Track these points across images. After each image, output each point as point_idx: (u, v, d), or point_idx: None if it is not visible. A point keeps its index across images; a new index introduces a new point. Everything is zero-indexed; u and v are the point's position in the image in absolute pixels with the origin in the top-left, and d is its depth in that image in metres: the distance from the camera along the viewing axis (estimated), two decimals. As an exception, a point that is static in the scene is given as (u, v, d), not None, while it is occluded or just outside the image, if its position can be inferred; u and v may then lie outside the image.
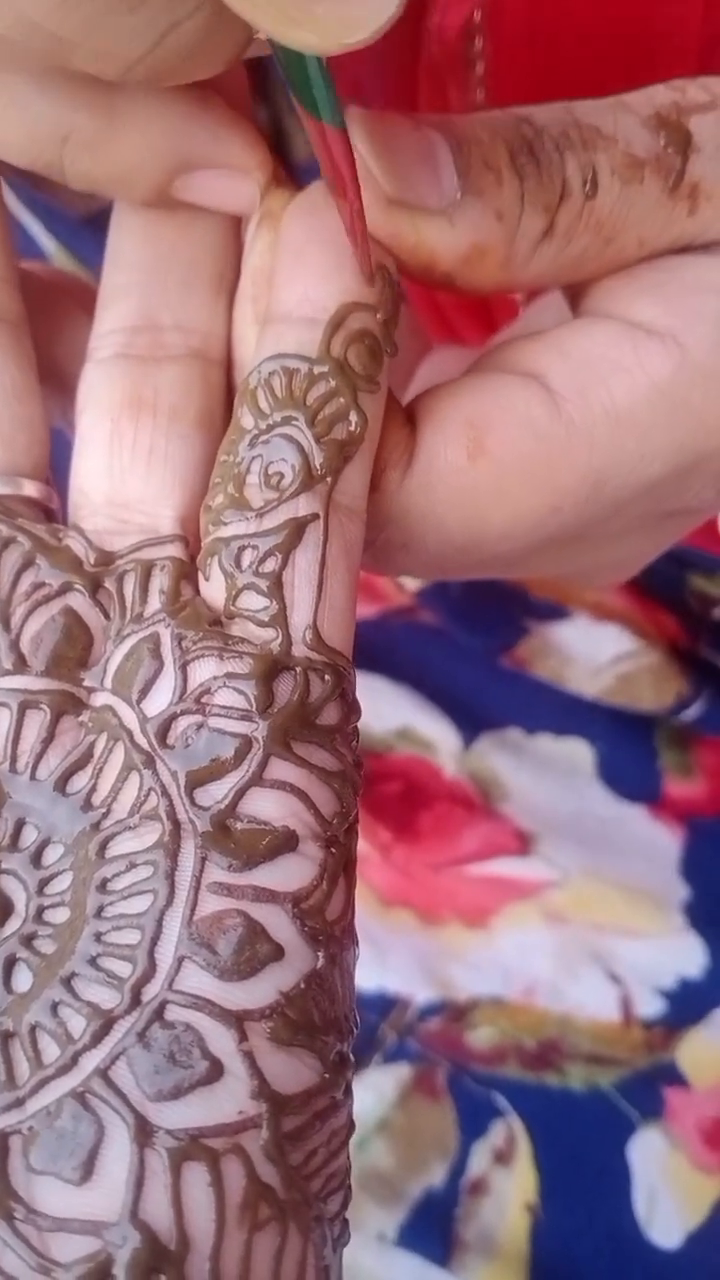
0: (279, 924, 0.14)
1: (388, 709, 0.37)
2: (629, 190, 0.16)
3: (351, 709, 0.16)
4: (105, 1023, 0.13)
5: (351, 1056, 0.15)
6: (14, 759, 0.15)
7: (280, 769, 0.15)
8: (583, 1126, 0.32)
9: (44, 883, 0.15)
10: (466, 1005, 0.34)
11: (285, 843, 0.14)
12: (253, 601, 0.15)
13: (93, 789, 0.15)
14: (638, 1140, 0.32)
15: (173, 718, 0.15)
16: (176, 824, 0.14)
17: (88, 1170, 0.13)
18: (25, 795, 0.15)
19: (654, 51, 0.22)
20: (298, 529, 0.15)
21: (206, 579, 0.16)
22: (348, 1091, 0.15)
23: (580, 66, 0.23)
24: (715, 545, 0.34)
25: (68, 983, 0.14)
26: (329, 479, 0.15)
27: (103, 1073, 0.13)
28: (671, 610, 0.38)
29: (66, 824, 0.15)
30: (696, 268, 0.17)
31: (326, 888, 0.15)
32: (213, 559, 0.16)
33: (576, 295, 0.18)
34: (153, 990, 0.14)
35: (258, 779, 0.14)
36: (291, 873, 0.14)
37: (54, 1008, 0.14)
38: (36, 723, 0.16)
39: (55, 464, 0.18)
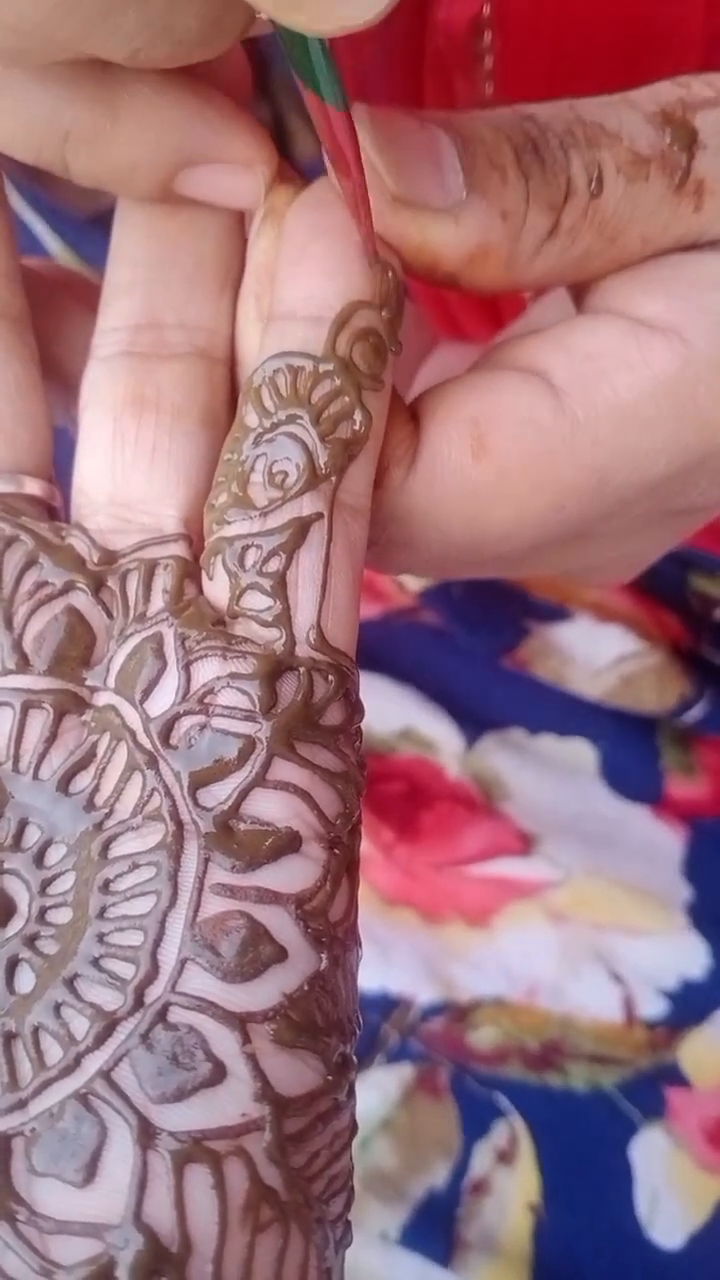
0: (282, 926, 0.14)
1: (390, 709, 0.37)
2: (634, 188, 0.16)
3: (355, 709, 0.16)
4: (108, 1024, 0.13)
5: (354, 1058, 0.15)
6: (17, 759, 0.15)
7: (284, 770, 0.15)
8: (585, 1127, 0.32)
9: (46, 883, 0.15)
10: (469, 1005, 0.34)
11: (288, 844, 0.14)
12: (256, 601, 0.15)
13: (95, 789, 0.15)
14: (640, 1140, 0.32)
15: (176, 718, 0.15)
16: (179, 825, 0.14)
17: (90, 1172, 0.13)
18: (28, 795, 0.15)
19: (661, 44, 0.22)
20: (302, 528, 0.15)
21: (210, 578, 0.16)
22: (350, 1093, 0.15)
23: (588, 60, 0.22)
24: (717, 545, 0.34)
25: (70, 984, 0.14)
26: (333, 478, 0.15)
27: (105, 1074, 0.13)
28: (674, 611, 0.38)
29: (69, 824, 0.15)
30: (701, 264, 0.17)
31: (330, 889, 0.14)
32: (216, 558, 0.16)
33: (580, 292, 0.18)
34: (156, 992, 0.14)
35: (261, 780, 0.14)
36: (295, 874, 0.14)
37: (57, 1009, 0.14)
38: (39, 722, 0.15)
39: (58, 462, 0.18)
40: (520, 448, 0.16)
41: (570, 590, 0.37)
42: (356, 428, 0.16)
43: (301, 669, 0.15)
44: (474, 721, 0.37)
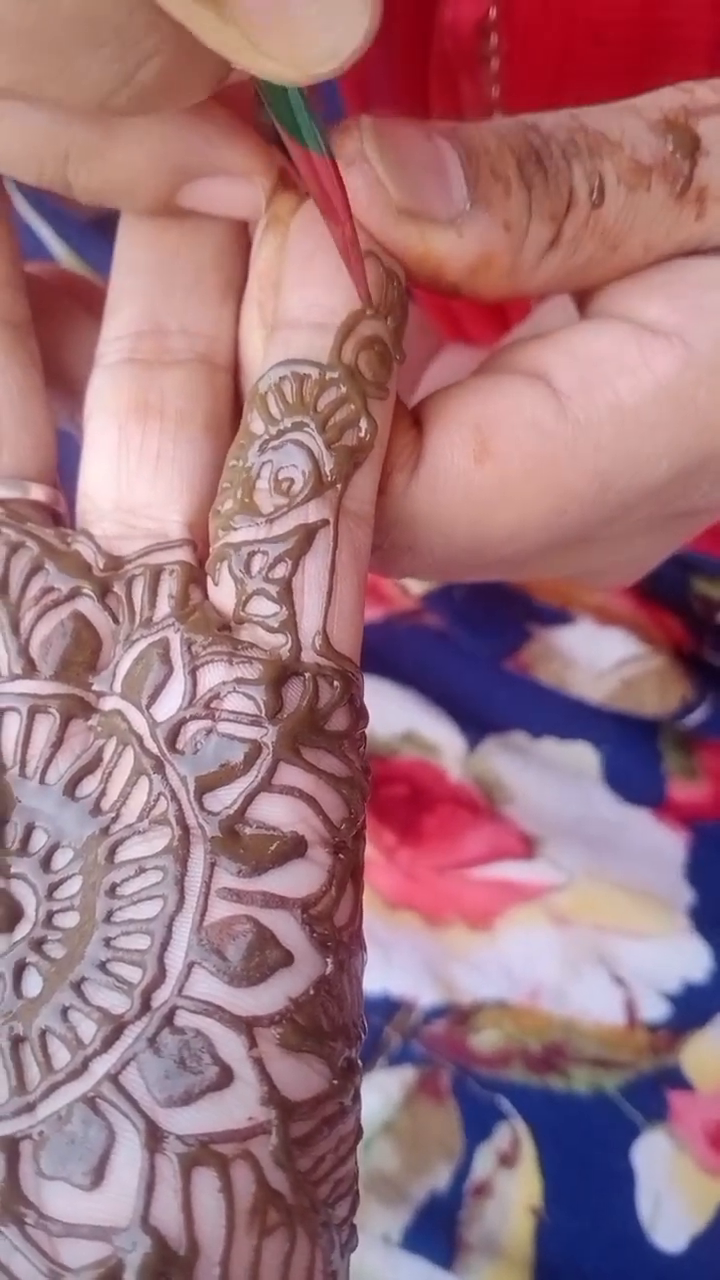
0: (288, 930, 0.14)
1: (392, 712, 0.37)
2: (635, 197, 0.16)
3: (360, 715, 0.16)
4: (115, 1028, 0.13)
5: (360, 1063, 0.15)
6: (23, 763, 0.15)
7: (289, 774, 0.15)
8: (587, 1129, 0.32)
9: (53, 887, 0.15)
10: (471, 1008, 0.34)
11: (294, 848, 0.14)
12: (262, 607, 0.15)
13: (102, 793, 0.15)
14: (642, 1143, 0.32)
15: (182, 723, 0.15)
16: (186, 829, 0.14)
17: (98, 1175, 0.13)
18: (34, 799, 0.15)
19: (667, 47, 0.22)
20: (308, 535, 0.15)
21: (216, 584, 0.16)
22: (356, 1098, 0.15)
23: (594, 63, 0.23)
24: (719, 548, 0.34)
25: (77, 987, 0.14)
26: (339, 485, 0.15)
27: (113, 1078, 0.13)
28: (675, 614, 0.38)
29: (76, 828, 0.15)
30: (703, 268, 0.17)
31: (335, 894, 0.15)
32: (222, 564, 0.16)
33: (583, 296, 0.18)
34: (163, 996, 0.14)
35: (267, 784, 0.14)
36: (300, 878, 0.14)
37: (64, 1012, 0.14)
38: (46, 727, 0.16)
39: (63, 467, 0.18)
40: (523, 452, 0.16)
41: (572, 593, 0.38)
42: (362, 435, 0.16)
43: (307, 674, 0.15)
44: (476, 724, 0.37)
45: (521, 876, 0.35)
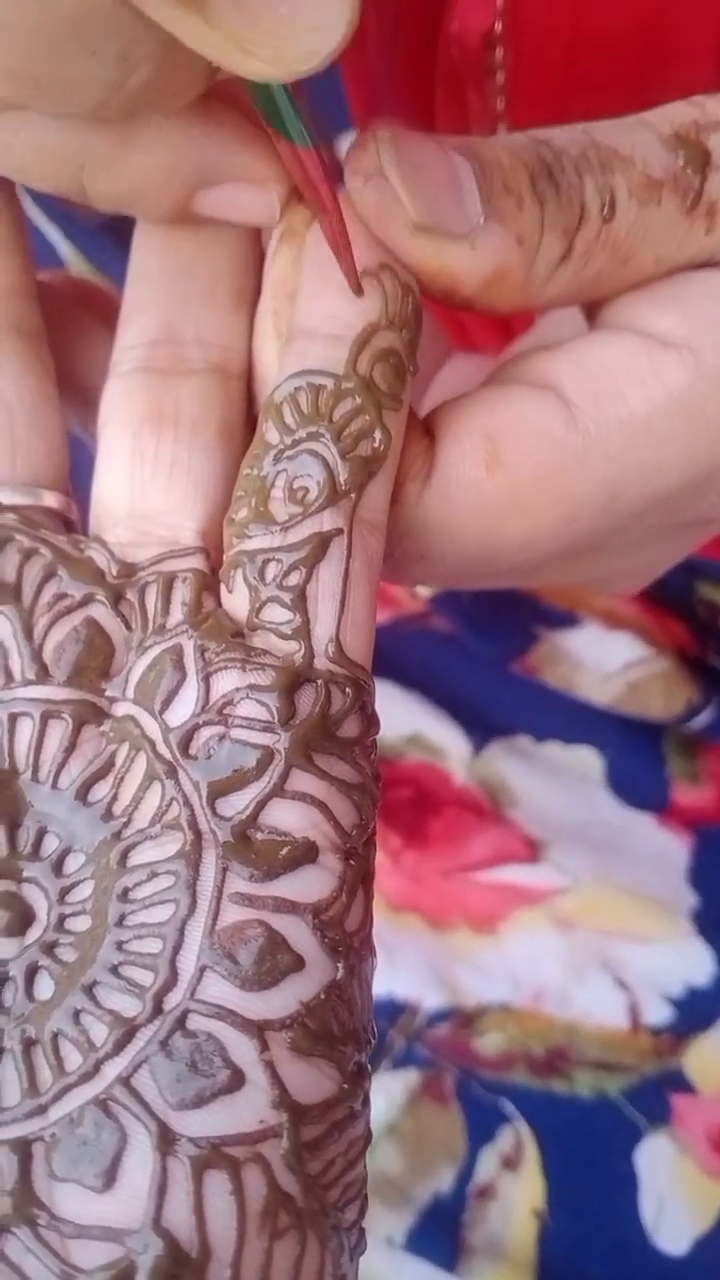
0: (299, 935, 0.14)
1: (398, 715, 0.37)
2: (646, 211, 0.16)
3: (371, 722, 0.16)
4: (127, 1031, 0.14)
5: (369, 1067, 0.15)
6: (36, 768, 0.16)
7: (301, 780, 0.15)
8: (590, 1133, 0.32)
9: (65, 891, 0.15)
10: (475, 1011, 0.34)
11: (305, 854, 0.14)
12: (276, 614, 0.15)
13: (114, 798, 0.15)
14: (645, 1147, 0.32)
15: (195, 728, 0.15)
16: (198, 834, 0.14)
17: (110, 1177, 0.13)
18: (47, 804, 0.15)
19: (673, 58, 0.22)
20: (322, 543, 0.15)
21: (230, 591, 0.16)
22: (365, 1102, 0.15)
23: (600, 75, 0.23)
24: (725, 553, 0.34)
25: (89, 991, 0.14)
26: (353, 495, 0.16)
27: (125, 1080, 0.13)
28: (681, 618, 0.38)
29: (87, 833, 0.15)
30: (713, 281, 0.17)
31: (346, 899, 0.15)
32: (237, 571, 0.16)
33: (593, 307, 0.18)
34: (174, 999, 0.14)
35: (279, 790, 0.15)
36: (312, 884, 0.14)
37: (76, 1015, 0.14)
38: (58, 732, 0.16)
39: (75, 475, 0.18)
40: (533, 461, 0.16)
41: (579, 597, 0.38)
42: (376, 446, 0.16)
43: (319, 681, 0.15)
44: (481, 728, 0.37)
45: (526, 880, 0.35)
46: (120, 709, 0.16)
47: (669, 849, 0.36)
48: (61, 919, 0.15)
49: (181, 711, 0.15)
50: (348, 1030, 0.14)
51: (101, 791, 0.15)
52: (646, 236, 0.16)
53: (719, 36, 0.22)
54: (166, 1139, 0.13)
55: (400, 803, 0.36)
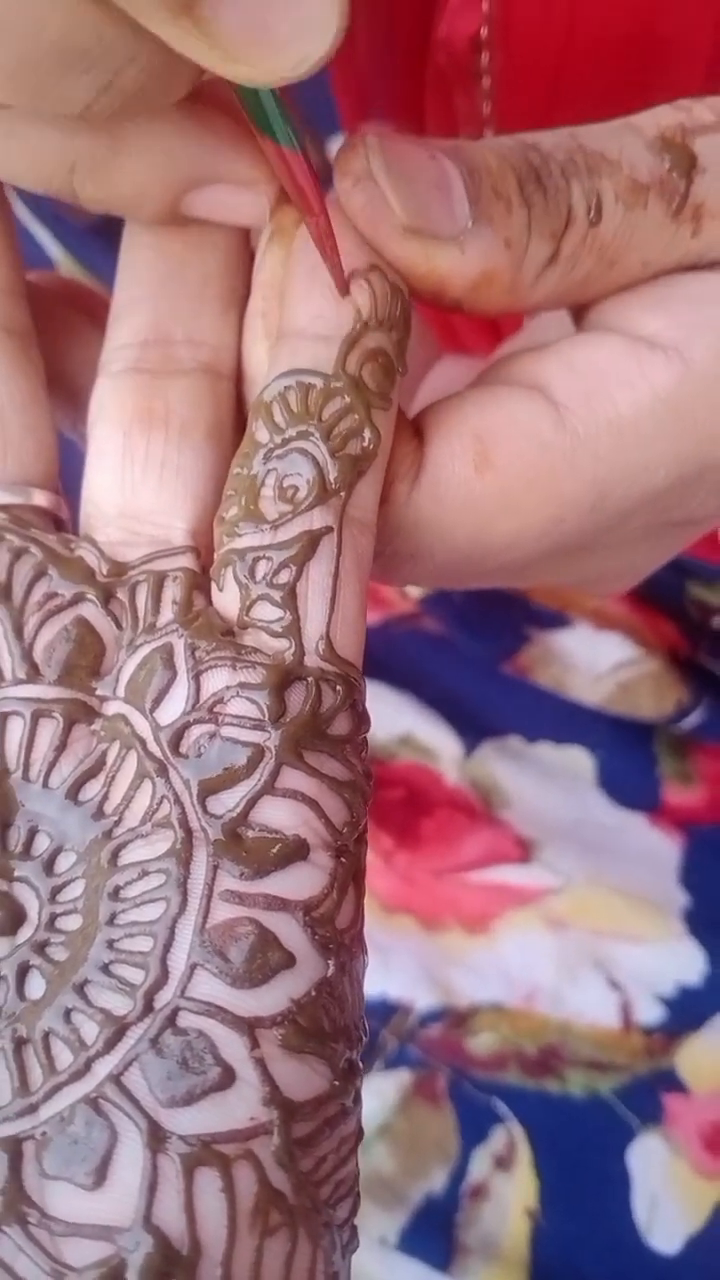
0: (290, 932, 0.14)
1: (390, 716, 0.37)
2: (632, 215, 0.16)
3: (362, 719, 0.16)
4: (118, 1029, 0.14)
5: (360, 1064, 0.15)
6: (27, 767, 0.16)
7: (292, 778, 0.15)
8: (583, 1132, 0.32)
9: (56, 890, 0.15)
10: (467, 1011, 0.34)
11: (296, 851, 0.14)
12: (266, 612, 0.15)
13: (105, 797, 0.15)
14: (638, 1146, 0.32)
15: (186, 727, 0.15)
16: (189, 832, 0.14)
17: (100, 1175, 0.13)
18: (37, 803, 0.15)
19: (662, 65, 0.22)
20: (312, 541, 0.15)
21: (220, 589, 0.16)
22: (357, 1099, 0.15)
23: (588, 79, 0.23)
24: (715, 554, 0.35)
25: (80, 989, 0.14)
26: (343, 493, 0.16)
27: (115, 1079, 0.13)
28: (671, 618, 0.38)
29: (79, 832, 0.15)
30: (701, 283, 0.17)
31: (337, 896, 0.15)
32: (227, 570, 0.16)
33: (580, 309, 0.18)
34: (165, 997, 0.14)
35: (269, 788, 0.15)
36: (302, 881, 0.14)
37: (67, 1014, 0.14)
38: (49, 731, 0.16)
39: (65, 474, 0.18)
40: (522, 462, 0.17)
41: (570, 597, 0.38)
42: (366, 444, 0.16)
43: (310, 679, 0.15)
44: (473, 728, 0.37)
45: (518, 880, 0.35)
46: (111, 708, 0.16)
47: (660, 849, 0.36)
48: (53, 918, 0.15)
49: (172, 710, 0.15)
50: (339, 1027, 0.14)
51: (92, 790, 0.15)
52: (632, 240, 0.16)
53: (710, 41, 0.22)
54: (157, 1137, 0.13)
55: (392, 803, 0.36)
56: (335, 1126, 0.14)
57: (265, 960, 0.14)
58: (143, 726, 0.15)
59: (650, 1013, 0.34)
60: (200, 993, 0.14)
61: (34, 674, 0.16)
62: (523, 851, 0.36)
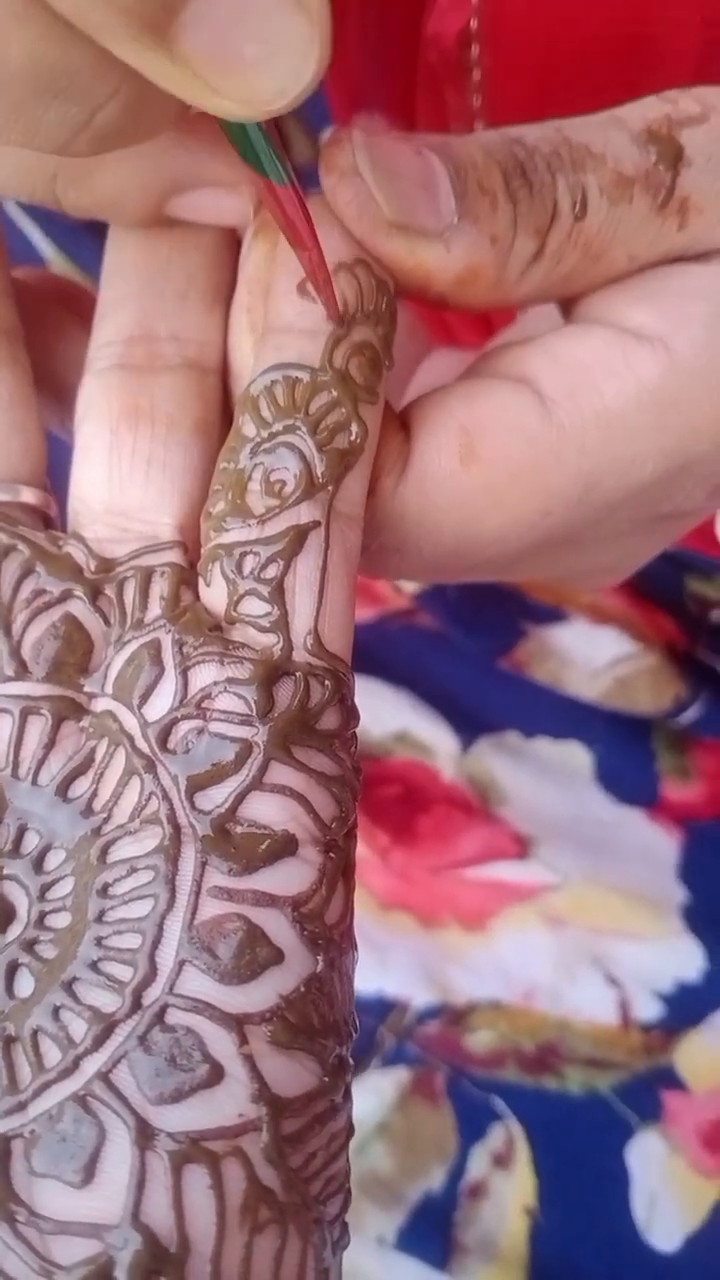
0: (279, 928, 0.14)
1: (386, 712, 0.37)
2: (617, 209, 0.16)
3: (351, 714, 0.16)
4: (106, 1026, 0.14)
5: (350, 1060, 0.15)
6: (16, 765, 0.16)
7: (280, 773, 0.15)
8: (581, 1130, 0.32)
9: (45, 888, 0.15)
10: (465, 1009, 0.34)
11: (285, 847, 0.14)
12: (254, 607, 0.15)
13: (94, 794, 0.15)
14: (636, 1143, 0.32)
15: (173, 723, 0.15)
16: (177, 828, 0.14)
17: (89, 1173, 0.13)
18: (27, 801, 0.15)
19: (651, 58, 0.22)
20: (299, 536, 0.15)
21: (208, 585, 0.16)
22: (347, 1095, 0.15)
23: (577, 73, 0.23)
24: (712, 548, 0.35)
25: (69, 987, 0.14)
26: (330, 487, 0.16)
27: (104, 1076, 0.13)
28: (669, 613, 0.38)
29: (68, 829, 0.15)
30: (686, 275, 0.17)
31: (326, 892, 0.15)
32: (214, 565, 0.16)
33: (567, 302, 0.18)
34: (154, 994, 0.14)
35: (258, 783, 0.15)
36: (291, 877, 0.14)
37: (55, 1012, 0.14)
38: (38, 729, 0.16)
39: (53, 471, 0.18)
40: (509, 455, 0.17)
41: (566, 592, 0.38)
42: (353, 438, 0.16)
43: (298, 674, 0.15)
44: (470, 724, 0.37)
45: (515, 877, 0.35)
46: (99, 704, 0.16)
47: (659, 845, 0.36)
48: (42, 916, 0.15)
49: (160, 706, 0.15)
50: (328, 1023, 0.14)
51: (81, 787, 0.15)
52: (618, 234, 0.16)
53: (699, 36, 0.22)
54: (145, 1134, 0.13)
55: (388, 800, 0.36)
56: (325, 1123, 0.14)
57: (254, 956, 0.14)
58: (131, 723, 0.15)
59: (649, 1010, 0.34)
60: (188, 989, 0.14)
61: (22, 671, 0.16)
62: (520, 848, 0.36)
